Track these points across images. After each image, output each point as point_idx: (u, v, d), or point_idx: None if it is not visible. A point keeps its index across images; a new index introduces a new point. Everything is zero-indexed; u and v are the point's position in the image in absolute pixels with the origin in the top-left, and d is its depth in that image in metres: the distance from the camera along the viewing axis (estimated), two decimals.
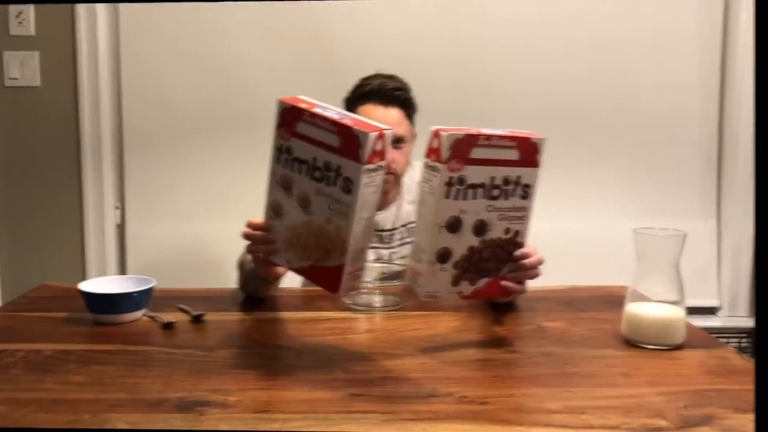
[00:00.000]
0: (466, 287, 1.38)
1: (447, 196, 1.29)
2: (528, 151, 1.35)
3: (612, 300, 1.73)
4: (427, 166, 1.30)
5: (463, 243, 1.34)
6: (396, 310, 1.68)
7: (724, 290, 2.94)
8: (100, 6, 2.73)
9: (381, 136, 1.25)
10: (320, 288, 1.34)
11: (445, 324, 1.59)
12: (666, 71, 2.87)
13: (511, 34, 2.82)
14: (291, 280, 1.87)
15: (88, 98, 2.77)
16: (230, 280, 1.92)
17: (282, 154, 1.34)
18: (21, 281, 2.68)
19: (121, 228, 2.87)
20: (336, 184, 1.27)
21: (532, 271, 1.46)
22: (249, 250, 1.44)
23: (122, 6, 2.76)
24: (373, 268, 2.02)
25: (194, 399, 1.15)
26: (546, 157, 2.77)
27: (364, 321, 1.63)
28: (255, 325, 1.61)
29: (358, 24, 2.77)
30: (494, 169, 1.32)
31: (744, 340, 2.95)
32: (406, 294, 1.71)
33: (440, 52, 2.78)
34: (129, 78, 2.80)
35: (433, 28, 2.79)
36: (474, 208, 1.32)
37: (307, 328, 1.56)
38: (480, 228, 1.34)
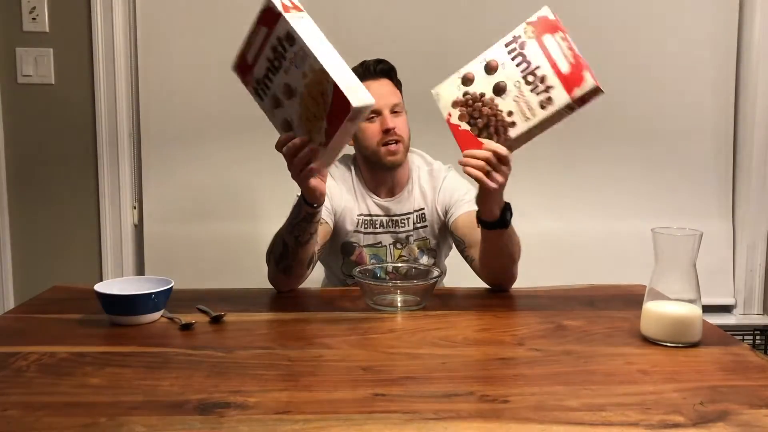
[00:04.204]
0: (454, 117, 1.62)
1: (504, 46, 1.58)
2: (574, 79, 1.55)
3: (630, 299, 1.75)
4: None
5: (482, 86, 1.59)
6: (417, 309, 1.69)
7: (739, 288, 2.95)
8: (116, 1, 2.72)
9: None
10: (344, 128, 1.50)
11: (465, 323, 1.60)
12: (681, 73, 2.88)
13: None
14: (309, 282, 1.89)
15: (105, 96, 2.75)
16: (249, 279, 1.93)
17: (258, 92, 1.62)
18: (35, 282, 2.67)
19: (138, 228, 2.86)
20: (286, 49, 1.52)
21: (480, 159, 1.62)
22: (294, 165, 1.58)
23: (139, 1, 2.76)
24: (392, 250, 2.05)
25: (214, 401, 1.15)
26: (564, 159, 2.81)
27: (385, 321, 1.62)
28: (275, 326, 1.61)
29: (376, 23, 2.78)
30: (545, 61, 1.56)
31: (758, 336, 2.95)
32: (426, 293, 1.71)
33: (455, 52, 2.76)
34: (146, 75, 2.79)
35: (449, 27, 2.81)
36: (509, 72, 1.57)
37: (327, 328, 1.56)
38: (498, 90, 1.58)
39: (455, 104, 1.61)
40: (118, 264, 2.82)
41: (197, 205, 2.84)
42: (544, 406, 1.13)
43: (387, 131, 1.99)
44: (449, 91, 1.62)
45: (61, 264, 2.82)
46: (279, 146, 1.58)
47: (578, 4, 2.81)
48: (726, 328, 2.06)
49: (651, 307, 1.43)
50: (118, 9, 2.72)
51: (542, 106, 1.56)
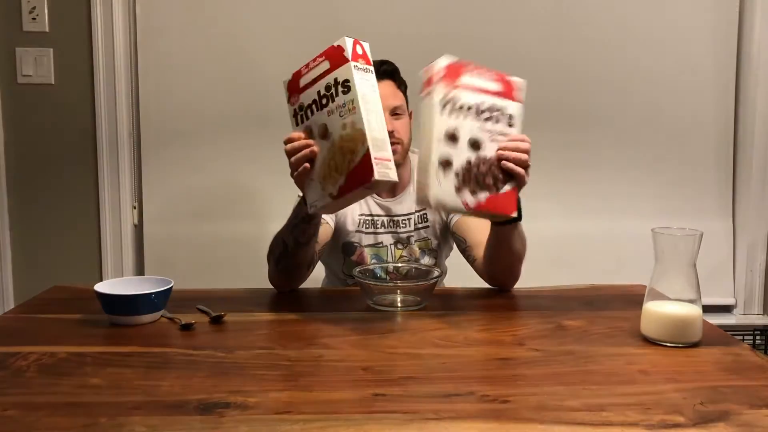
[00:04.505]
0: (469, 198, 1.52)
1: (441, 113, 1.49)
2: (509, 88, 1.57)
3: (631, 299, 1.75)
4: (425, 95, 1.51)
5: (461, 155, 1.51)
6: (417, 309, 1.69)
7: (739, 289, 2.96)
8: (116, 1, 2.72)
9: (357, 42, 1.51)
10: (358, 191, 1.49)
11: (465, 323, 1.60)
12: (682, 72, 2.88)
13: (524, 33, 2.82)
14: (309, 282, 1.88)
15: (105, 96, 2.75)
16: (249, 280, 1.93)
17: (297, 116, 1.60)
18: (35, 283, 2.67)
19: (138, 228, 2.86)
20: (338, 94, 1.49)
21: (523, 153, 1.58)
22: (293, 163, 1.58)
23: (139, 1, 2.76)
24: (393, 251, 2.05)
25: (214, 401, 1.15)
26: (563, 159, 2.81)
27: (385, 321, 1.63)
28: (275, 326, 1.61)
29: (374, 22, 2.78)
30: (482, 96, 1.53)
31: (758, 337, 2.95)
32: (427, 293, 1.71)
33: (456, 52, 2.77)
34: (146, 75, 2.79)
35: (450, 27, 2.81)
36: (467, 127, 1.51)
37: (328, 328, 1.56)
38: (474, 144, 1.52)
39: (459, 190, 1.52)
40: (118, 264, 2.82)
41: (197, 206, 2.84)
42: (545, 406, 1.13)
43: None
44: (444, 188, 1.50)
45: (61, 264, 2.82)
46: (287, 141, 1.59)
47: (579, 7, 2.81)
48: (726, 328, 2.06)
49: (651, 307, 1.43)
50: (118, 9, 2.72)
51: (510, 125, 1.58)
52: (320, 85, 1.53)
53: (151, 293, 1.56)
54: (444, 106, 1.49)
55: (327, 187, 1.52)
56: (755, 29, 2.83)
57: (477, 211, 1.55)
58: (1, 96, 2.73)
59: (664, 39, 2.85)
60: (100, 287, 1.57)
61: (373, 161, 1.43)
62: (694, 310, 1.41)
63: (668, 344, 1.41)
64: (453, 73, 1.50)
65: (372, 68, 1.54)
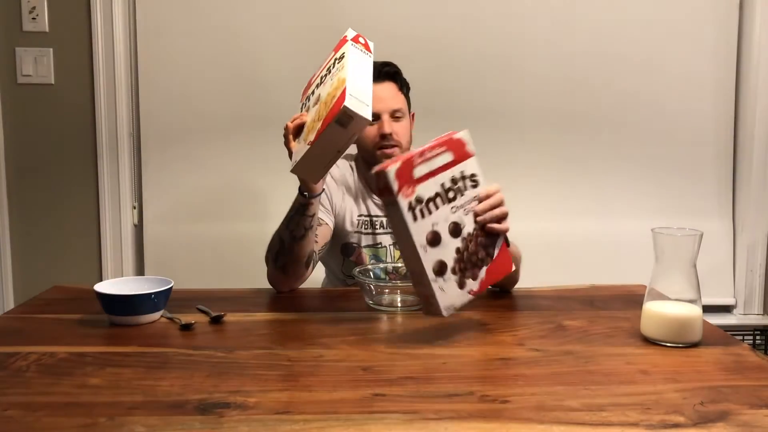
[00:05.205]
0: (473, 285, 1.46)
1: (415, 219, 1.38)
2: (458, 148, 1.44)
3: (631, 299, 1.75)
4: (385, 205, 1.40)
5: (449, 250, 1.42)
6: (417, 309, 1.67)
7: (739, 289, 2.95)
8: (116, 1, 2.71)
9: (360, 35, 1.65)
10: (330, 130, 1.49)
11: (465, 323, 1.60)
12: (682, 73, 2.88)
13: (526, 33, 2.81)
14: (309, 282, 1.88)
15: (104, 96, 2.74)
16: (249, 280, 1.93)
17: (306, 102, 1.68)
18: (35, 282, 2.68)
19: (138, 228, 2.86)
20: (334, 66, 1.58)
21: (498, 206, 1.50)
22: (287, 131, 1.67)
23: (139, 1, 2.75)
24: (392, 251, 2.05)
25: (214, 401, 1.15)
26: (564, 159, 2.80)
27: (385, 321, 1.63)
28: (275, 326, 1.61)
29: (375, 22, 2.76)
30: (439, 177, 1.41)
31: (758, 337, 2.95)
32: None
33: (457, 52, 2.78)
34: (146, 75, 2.79)
35: (451, 27, 2.80)
36: (442, 217, 1.41)
37: (327, 328, 1.56)
38: (455, 229, 1.43)
39: (461, 285, 1.44)
40: (118, 264, 2.82)
41: (197, 205, 2.83)
42: (544, 406, 1.13)
43: (383, 136, 1.99)
44: (449, 293, 1.42)
45: (61, 264, 2.81)
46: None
47: (579, 9, 2.81)
48: (726, 328, 2.06)
49: (651, 307, 1.43)
50: (118, 9, 2.71)
51: (475, 184, 1.48)
52: (324, 71, 1.63)
53: (151, 293, 1.56)
54: (412, 211, 1.37)
55: (308, 137, 1.56)
56: (755, 29, 2.83)
57: (482, 290, 1.48)
58: (1, 96, 2.73)
59: (664, 39, 2.85)
60: (100, 287, 1.57)
61: (347, 94, 1.44)
62: (694, 310, 1.41)
63: (668, 344, 1.41)
64: (405, 176, 1.36)
65: (371, 56, 1.58)
